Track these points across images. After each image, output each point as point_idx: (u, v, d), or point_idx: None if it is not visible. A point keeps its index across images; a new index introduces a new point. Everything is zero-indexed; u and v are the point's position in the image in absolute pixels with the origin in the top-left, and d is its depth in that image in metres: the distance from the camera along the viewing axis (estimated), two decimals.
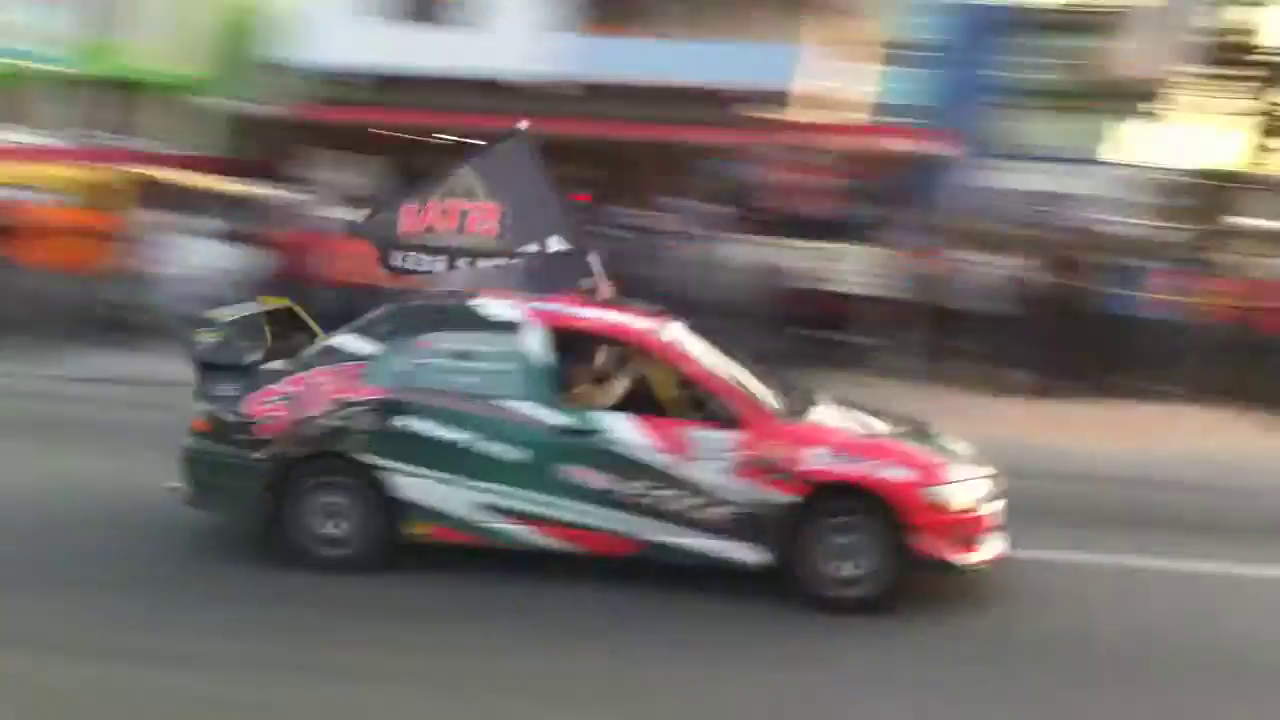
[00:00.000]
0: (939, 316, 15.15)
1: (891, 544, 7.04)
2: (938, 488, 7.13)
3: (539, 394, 7.34)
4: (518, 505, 7.28)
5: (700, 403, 7.42)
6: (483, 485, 7.29)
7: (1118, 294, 15.32)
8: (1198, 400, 14.50)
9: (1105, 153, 22.76)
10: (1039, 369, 14.91)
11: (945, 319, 15.12)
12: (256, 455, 7.42)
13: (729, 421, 7.20)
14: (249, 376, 7.65)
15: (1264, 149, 22.50)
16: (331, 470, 7.42)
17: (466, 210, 8.92)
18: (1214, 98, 22.40)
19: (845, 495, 7.07)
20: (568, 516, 7.25)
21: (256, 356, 7.78)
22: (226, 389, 7.60)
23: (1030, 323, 14.96)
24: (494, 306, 7.65)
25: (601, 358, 8.22)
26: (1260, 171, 22.46)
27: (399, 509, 7.38)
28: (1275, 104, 22.20)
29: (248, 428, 7.46)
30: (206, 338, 7.77)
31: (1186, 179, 21.98)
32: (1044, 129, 23.67)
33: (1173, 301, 15.26)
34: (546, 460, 7.24)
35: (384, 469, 7.35)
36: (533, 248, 8.87)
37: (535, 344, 7.43)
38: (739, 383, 7.64)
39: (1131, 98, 22.02)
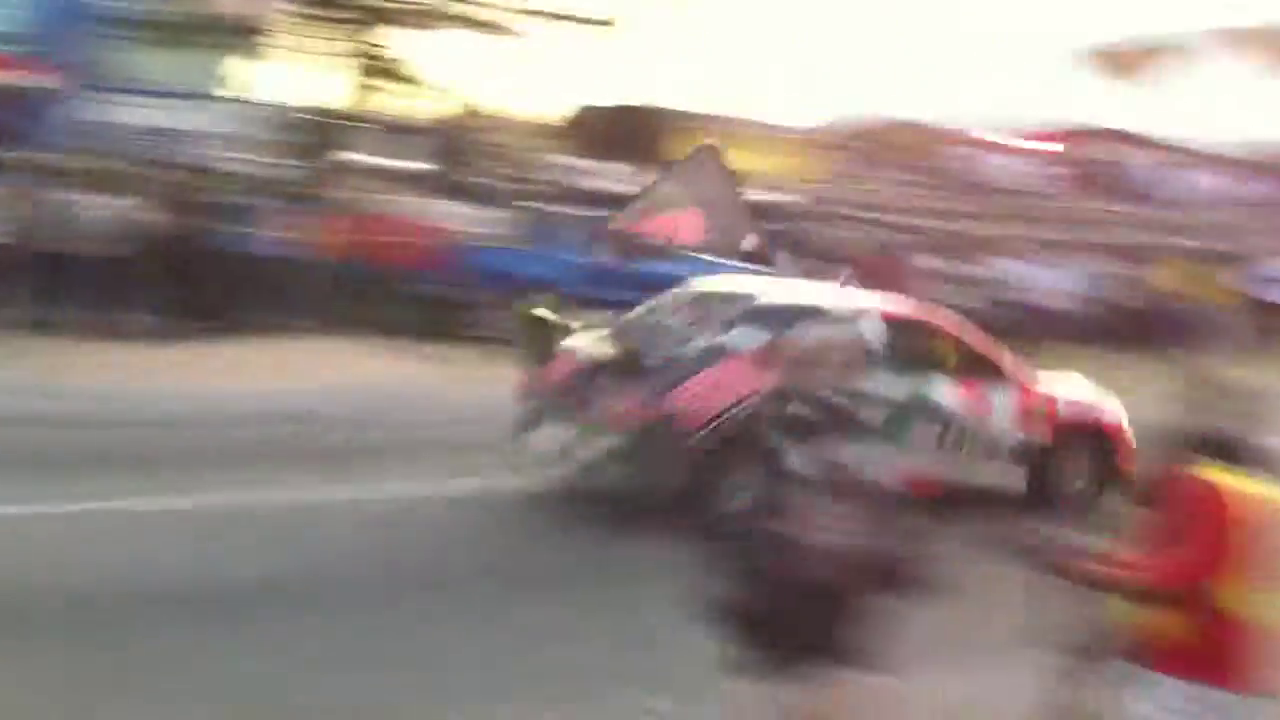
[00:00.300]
0: (46, 261, 14.09)
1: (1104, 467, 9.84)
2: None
3: (886, 369, 8.47)
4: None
5: (985, 368, 9.66)
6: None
7: (237, 231, 15.26)
8: (330, 334, 14.86)
9: (218, 88, 22.50)
10: (161, 312, 14.46)
11: (54, 263, 14.10)
12: (687, 444, 8.19)
13: (1010, 383, 9.70)
14: (656, 374, 8.52)
15: (367, 88, 23.56)
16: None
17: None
18: (314, 38, 22.98)
19: (1078, 434, 9.86)
20: (911, 467, 7.37)
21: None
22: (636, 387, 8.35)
23: (148, 264, 14.43)
24: (841, 299, 9.12)
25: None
26: (365, 110, 23.48)
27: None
28: (372, 45, 23.28)
29: (671, 420, 8.29)
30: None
31: (298, 117, 22.41)
32: (155, 62, 22.88)
33: (291, 238, 15.50)
34: (898, 422, 8.87)
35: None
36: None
37: (876, 330, 8.52)
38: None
39: (233, 33, 21.95)
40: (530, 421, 9.26)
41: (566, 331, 9.73)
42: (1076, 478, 9.95)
